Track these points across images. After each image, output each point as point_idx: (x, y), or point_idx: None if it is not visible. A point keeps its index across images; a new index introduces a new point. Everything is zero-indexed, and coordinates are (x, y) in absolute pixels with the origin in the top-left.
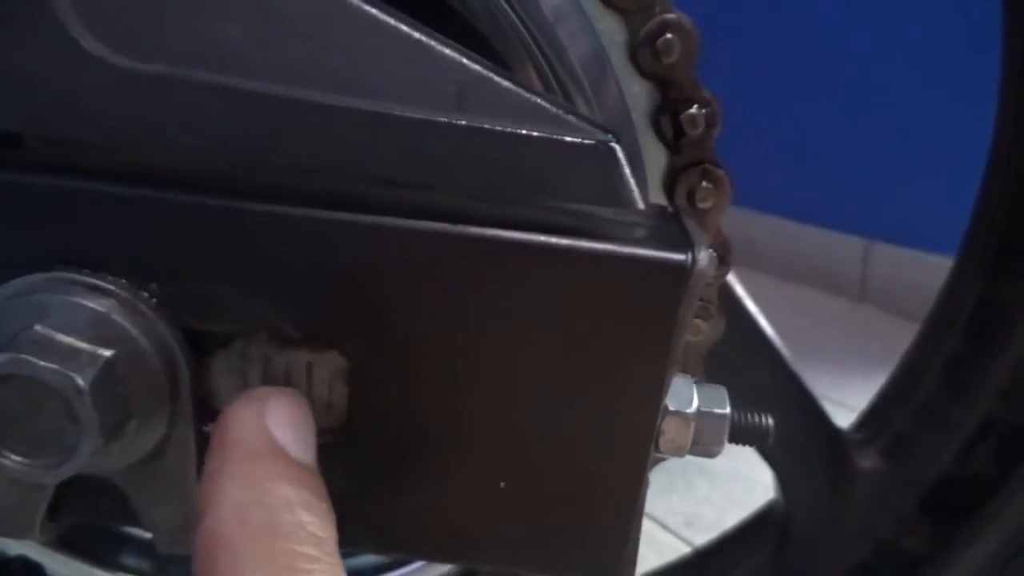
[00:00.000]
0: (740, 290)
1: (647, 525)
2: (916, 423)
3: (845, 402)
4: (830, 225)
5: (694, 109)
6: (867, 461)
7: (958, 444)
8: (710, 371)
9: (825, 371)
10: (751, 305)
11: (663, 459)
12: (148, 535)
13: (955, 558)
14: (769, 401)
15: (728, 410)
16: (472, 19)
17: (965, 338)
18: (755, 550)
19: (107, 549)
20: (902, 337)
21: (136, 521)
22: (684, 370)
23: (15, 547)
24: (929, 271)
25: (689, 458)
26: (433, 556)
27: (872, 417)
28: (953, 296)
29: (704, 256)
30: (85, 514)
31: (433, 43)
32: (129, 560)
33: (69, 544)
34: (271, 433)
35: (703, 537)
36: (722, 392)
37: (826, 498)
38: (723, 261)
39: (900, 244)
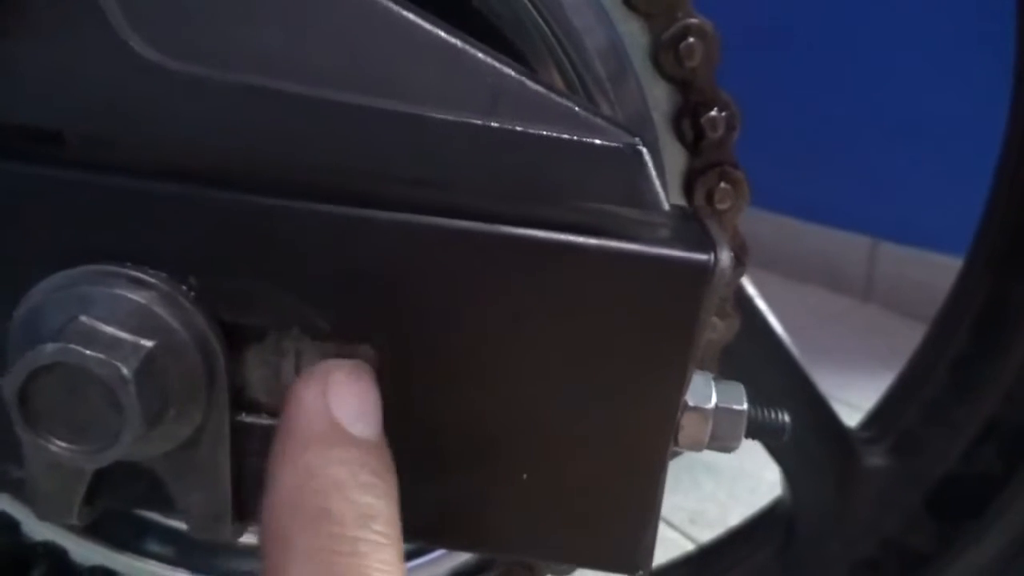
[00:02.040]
0: (751, 289)
1: None
2: (923, 422)
3: (850, 401)
4: (836, 224)
5: (714, 112)
6: (874, 459)
7: (964, 443)
8: (721, 368)
9: (830, 370)
10: (762, 304)
11: (679, 453)
12: (172, 522)
13: (960, 556)
14: (778, 399)
15: (745, 406)
16: (495, 20)
17: (972, 338)
18: (761, 546)
19: (130, 535)
20: (907, 336)
21: (171, 507)
22: (700, 367)
23: (41, 533)
24: (934, 270)
25: (694, 456)
26: (456, 545)
27: (879, 416)
28: (961, 296)
29: (726, 256)
30: (121, 500)
31: (468, 48)
32: (152, 546)
33: (93, 530)
34: (331, 412)
35: (707, 534)
36: (739, 389)
37: (833, 495)
38: (739, 261)
39: (906, 243)
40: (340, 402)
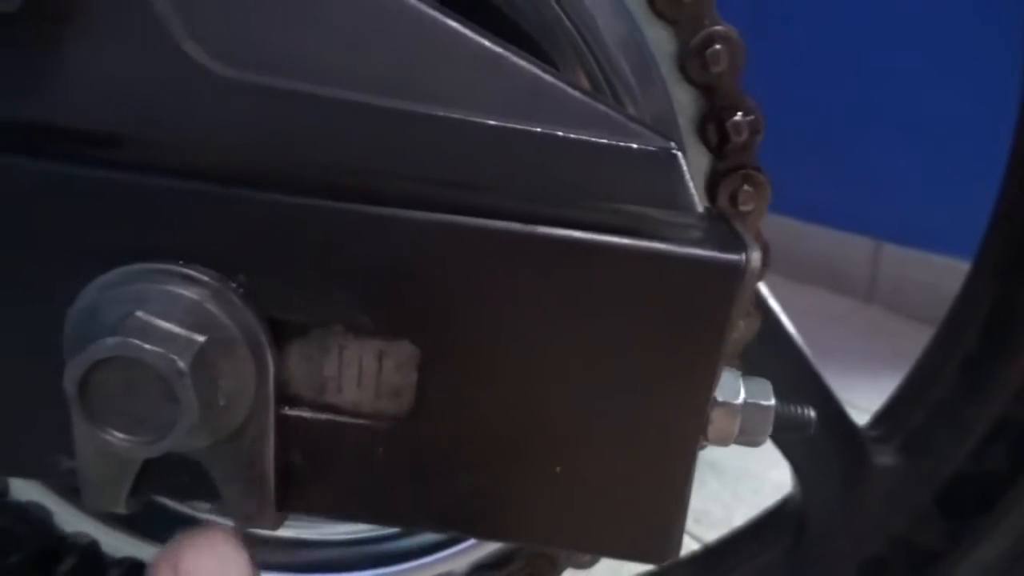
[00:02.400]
0: (764, 289)
1: None
2: (932, 421)
3: (853, 402)
4: (839, 226)
5: (739, 116)
6: (883, 458)
7: (973, 442)
8: (735, 366)
9: (833, 371)
10: (774, 303)
11: (704, 447)
12: (201, 513)
13: (968, 554)
14: (788, 396)
15: (773, 402)
16: (526, 25)
17: (981, 339)
18: (771, 543)
19: (160, 526)
20: (910, 338)
21: (214, 498)
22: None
23: (73, 524)
24: (938, 272)
25: (700, 456)
26: (489, 536)
27: (889, 415)
28: (970, 297)
29: (756, 257)
30: (166, 490)
31: (510, 55)
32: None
33: (124, 521)
34: None
35: (712, 534)
36: (767, 385)
37: (842, 493)
38: (762, 262)
39: (909, 245)
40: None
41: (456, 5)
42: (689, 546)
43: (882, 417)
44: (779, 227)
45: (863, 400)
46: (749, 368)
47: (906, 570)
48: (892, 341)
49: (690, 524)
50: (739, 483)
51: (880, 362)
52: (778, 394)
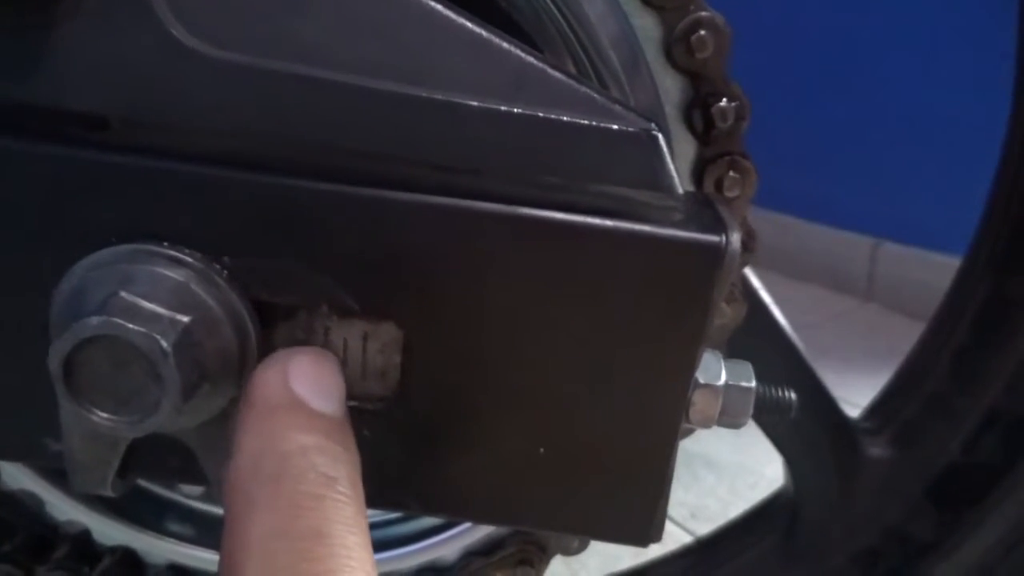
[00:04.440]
0: (755, 281)
1: None
2: (924, 413)
3: (851, 399)
4: (838, 224)
5: (724, 103)
6: (876, 449)
7: (965, 434)
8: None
9: (831, 369)
10: (766, 296)
11: (691, 430)
12: (191, 502)
13: (960, 544)
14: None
15: (754, 384)
16: (514, 12)
17: (973, 331)
18: (766, 534)
19: (152, 514)
20: (908, 336)
21: (201, 480)
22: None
23: (65, 512)
24: (936, 270)
25: (695, 451)
26: (478, 518)
27: (881, 406)
28: (963, 289)
29: (737, 239)
30: (153, 472)
31: (493, 38)
32: (173, 525)
33: (116, 509)
34: (291, 387)
35: (707, 528)
36: (748, 367)
37: (835, 485)
38: (746, 248)
39: (907, 243)
40: (300, 379)
41: None
42: (685, 542)
43: (874, 409)
44: (779, 225)
45: (861, 397)
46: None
47: (899, 560)
48: (890, 338)
49: (686, 519)
50: (735, 478)
51: (878, 359)
52: (762, 378)
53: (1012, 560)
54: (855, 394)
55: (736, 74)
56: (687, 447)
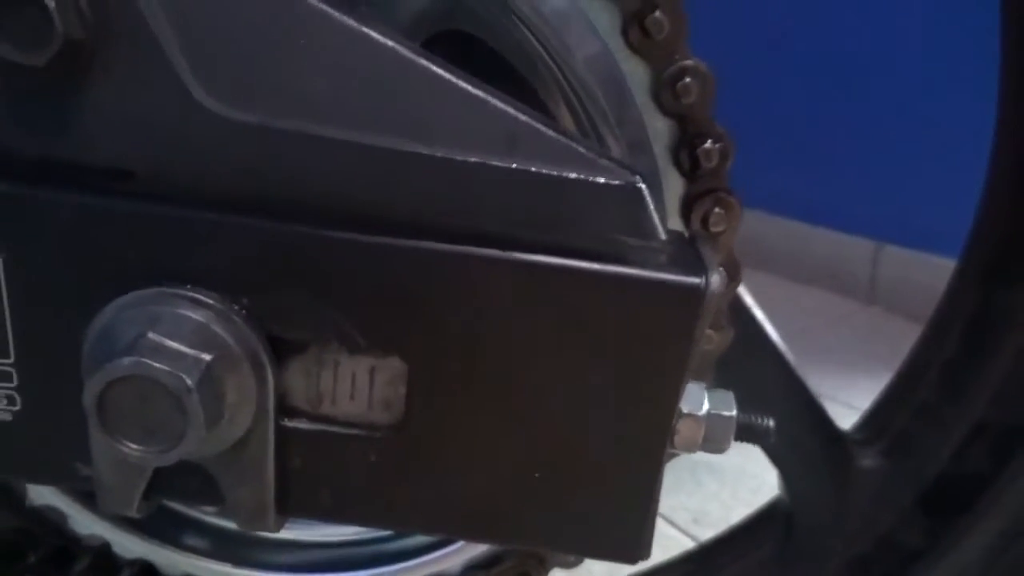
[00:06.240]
0: (748, 299)
1: None
2: (915, 424)
3: (852, 403)
4: (840, 227)
5: (709, 144)
6: (868, 460)
7: (953, 445)
8: (721, 375)
9: (833, 372)
10: (759, 313)
11: (676, 455)
12: (207, 517)
13: (949, 551)
14: (775, 403)
15: (734, 412)
16: (512, 60)
17: (961, 342)
18: (761, 543)
19: (170, 529)
20: (910, 339)
21: (221, 502)
22: (696, 374)
23: (87, 527)
24: (938, 274)
25: (698, 457)
26: (476, 537)
27: (873, 418)
28: (952, 301)
29: (716, 279)
30: (176, 495)
31: (489, 98)
32: (189, 539)
33: (135, 524)
34: None
35: (710, 534)
36: (729, 396)
37: (828, 495)
38: (732, 278)
39: (910, 247)
40: None
41: (451, 40)
42: (687, 546)
43: (867, 420)
44: (782, 229)
45: (862, 399)
46: (733, 378)
47: (891, 567)
48: (892, 342)
49: (689, 524)
50: (738, 483)
51: (880, 362)
52: (761, 402)
53: (1000, 566)
54: (856, 397)
55: (740, 77)
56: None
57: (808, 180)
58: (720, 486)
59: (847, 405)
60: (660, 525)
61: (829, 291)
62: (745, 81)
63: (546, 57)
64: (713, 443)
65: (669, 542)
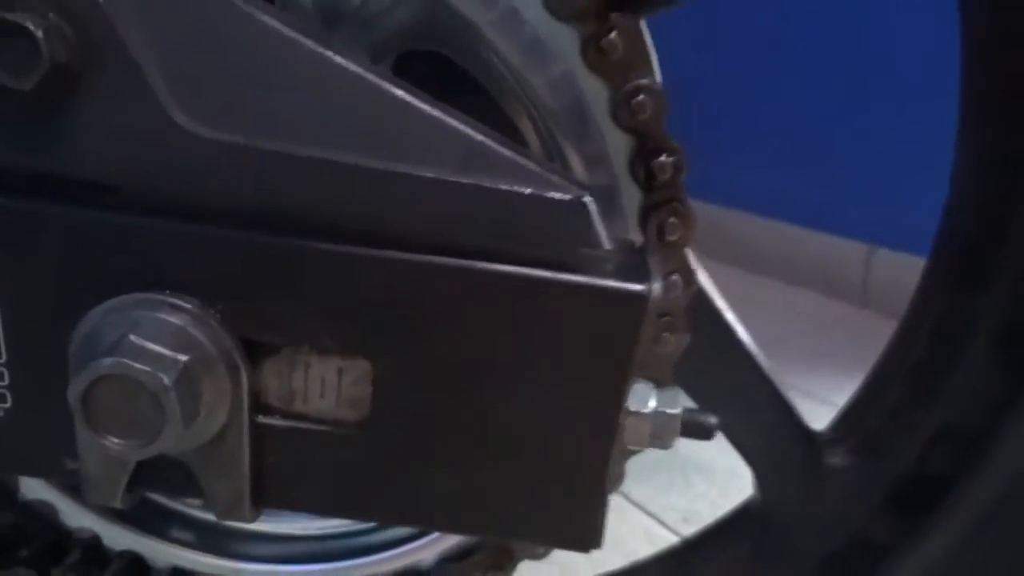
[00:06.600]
0: (719, 302)
1: (645, 521)
2: (884, 425)
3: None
4: (833, 230)
5: (663, 157)
6: (838, 459)
7: (919, 446)
8: (691, 379)
9: (826, 374)
10: (729, 315)
11: (637, 451)
12: (192, 511)
13: (916, 548)
14: (745, 404)
15: (679, 410)
16: (478, 78)
17: (928, 345)
18: (736, 541)
19: (156, 522)
20: None
21: (199, 494)
22: (653, 376)
23: (77, 520)
24: None
25: (687, 458)
26: (439, 526)
27: (845, 419)
28: (921, 304)
29: (658, 287)
30: (158, 488)
31: (448, 118)
32: (175, 532)
33: (124, 517)
34: None
35: None
36: (676, 394)
37: (799, 493)
38: (688, 284)
39: (902, 250)
40: None
41: (421, 59)
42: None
43: (839, 420)
44: (775, 232)
45: None
46: (704, 379)
47: (861, 563)
48: (884, 344)
49: (678, 524)
50: (726, 483)
51: (872, 365)
52: (731, 403)
53: (964, 562)
54: (847, 399)
55: (733, 79)
56: (679, 453)
57: (801, 183)
58: (709, 486)
59: (839, 408)
60: (650, 524)
61: (822, 294)
62: (739, 84)
63: (510, 78)
64: (660, 439)
65: (658, 541)
